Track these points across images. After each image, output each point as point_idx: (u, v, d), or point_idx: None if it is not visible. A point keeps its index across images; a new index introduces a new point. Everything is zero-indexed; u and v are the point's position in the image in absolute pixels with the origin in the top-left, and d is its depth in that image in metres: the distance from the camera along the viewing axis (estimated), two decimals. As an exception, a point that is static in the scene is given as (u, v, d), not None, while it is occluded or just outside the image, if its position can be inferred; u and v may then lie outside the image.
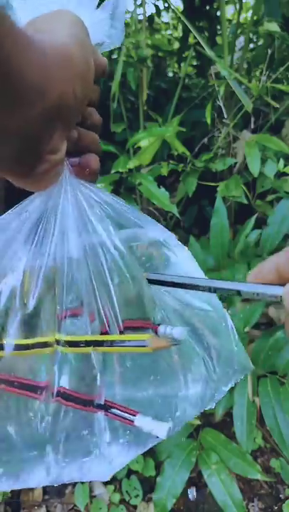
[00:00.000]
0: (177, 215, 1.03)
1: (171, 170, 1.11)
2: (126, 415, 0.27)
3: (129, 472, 1.00)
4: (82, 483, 0.98)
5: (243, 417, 0.87)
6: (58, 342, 0.28)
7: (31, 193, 0.29)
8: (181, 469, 0.86)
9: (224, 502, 0.82)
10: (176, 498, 0.84)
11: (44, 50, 0.20)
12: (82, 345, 0.27)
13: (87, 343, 0.27)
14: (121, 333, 0.28)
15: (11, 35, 0.17)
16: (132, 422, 0.27)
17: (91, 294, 0.27)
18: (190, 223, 1.42)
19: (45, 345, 0.27)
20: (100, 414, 0.28)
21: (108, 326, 0.28)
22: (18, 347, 0.27)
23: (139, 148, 1.07)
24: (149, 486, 0.98)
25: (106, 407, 0.28)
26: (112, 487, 0.99)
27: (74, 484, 1.00)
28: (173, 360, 0.30)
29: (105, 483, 1.00)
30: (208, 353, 0.31)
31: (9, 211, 0.29)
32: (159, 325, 0.29)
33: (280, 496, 1.01)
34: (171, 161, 1.12)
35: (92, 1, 0.28)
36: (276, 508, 0.99)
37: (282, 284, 0.21)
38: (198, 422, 0.93)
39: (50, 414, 0.27)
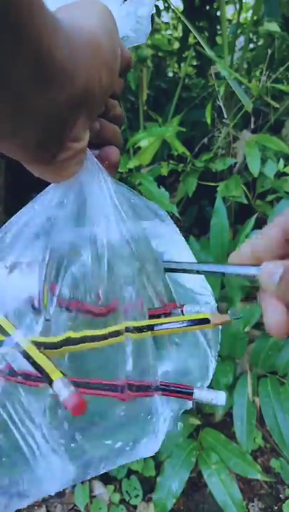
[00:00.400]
0: (177, 215, 1.02)
1: (171, 170, 1.11)
2: (183, 391, 0.28)
3: (129, 472, 1.00)
4: (82, 483, 0.98)
5: (243, 417, 0.87)
6: (127, 329, 0.27)
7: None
8: (181, 469, 0.86)
9: (224, 502, 0.82)
10: (176, 498, 0.84)
11: (72, 35, 0.20)
12: (145, 330, 0.27)
13: (148, 328, 0.27)
14: (167, 315, 0.29)
15: (41, 15, 0.17)
16: (191, 396, 0.28)
17: (140, 280, 0.28)
18: (190, 223, 1.42)
19: (118, 333, 0.27)
20: (157, 396, 0.28)
21: (164, 308, 0.29)
22: (93, 338, 0.26)
23: (139, 148, 1.06)
24: (149, 486, 0.98)
25: (162, 388, 0.28)
26: (112, 487, 0.99)
27: (74, 484, 1.00)
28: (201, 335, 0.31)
29: (105, 483, 1.00)
30: (208, 341, 0.32)
31: (36, 201, 0.28)
32: (183, 305, 0.30)
33: (280, 496, 1.02)
34: (171, 161, 1.11)
35: None
36: (276, 508, 0.99)
37: (258, 265, 0.25)
38: (198, 422, 0.93)
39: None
